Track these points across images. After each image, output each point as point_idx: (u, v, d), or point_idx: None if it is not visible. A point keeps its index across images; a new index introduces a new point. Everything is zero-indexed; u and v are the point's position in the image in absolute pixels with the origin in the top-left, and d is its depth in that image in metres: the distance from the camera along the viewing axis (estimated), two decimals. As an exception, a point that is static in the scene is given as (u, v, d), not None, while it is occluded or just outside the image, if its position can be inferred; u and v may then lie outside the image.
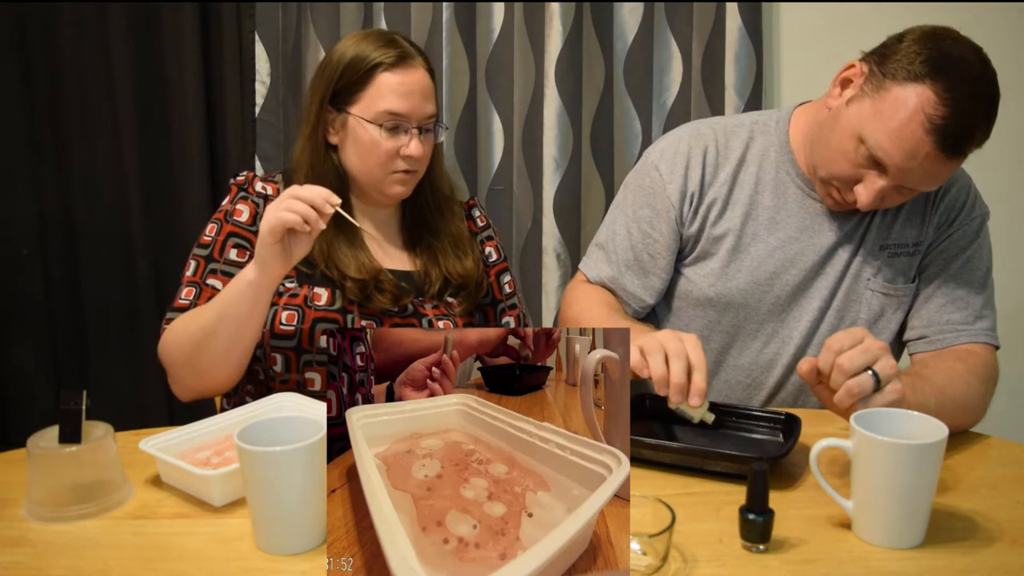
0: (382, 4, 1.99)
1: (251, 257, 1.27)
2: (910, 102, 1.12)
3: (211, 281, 1.29)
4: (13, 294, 2.08)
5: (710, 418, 1.09)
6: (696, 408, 1.06)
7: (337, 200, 1.11)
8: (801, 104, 1.39)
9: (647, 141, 2.06)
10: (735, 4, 1.96)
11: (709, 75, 2.02)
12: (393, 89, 1.26)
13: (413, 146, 1.28)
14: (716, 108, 2.03)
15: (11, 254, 2.06)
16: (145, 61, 2.01)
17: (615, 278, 1.42)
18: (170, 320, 1.27)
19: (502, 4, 2.02)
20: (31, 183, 2.05)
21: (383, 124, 1.27)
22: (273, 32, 2.00)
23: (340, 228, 1.31)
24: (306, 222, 1.09)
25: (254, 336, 1.21)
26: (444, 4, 1.99)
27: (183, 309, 1.27)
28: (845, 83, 1.23)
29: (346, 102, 1.29)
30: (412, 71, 1.28)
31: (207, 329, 1.19)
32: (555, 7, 1.98)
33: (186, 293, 1.29)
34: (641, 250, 1.39)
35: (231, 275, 1.26)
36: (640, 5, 2.02)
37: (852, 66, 1.23)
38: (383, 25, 2.00)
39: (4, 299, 2.08)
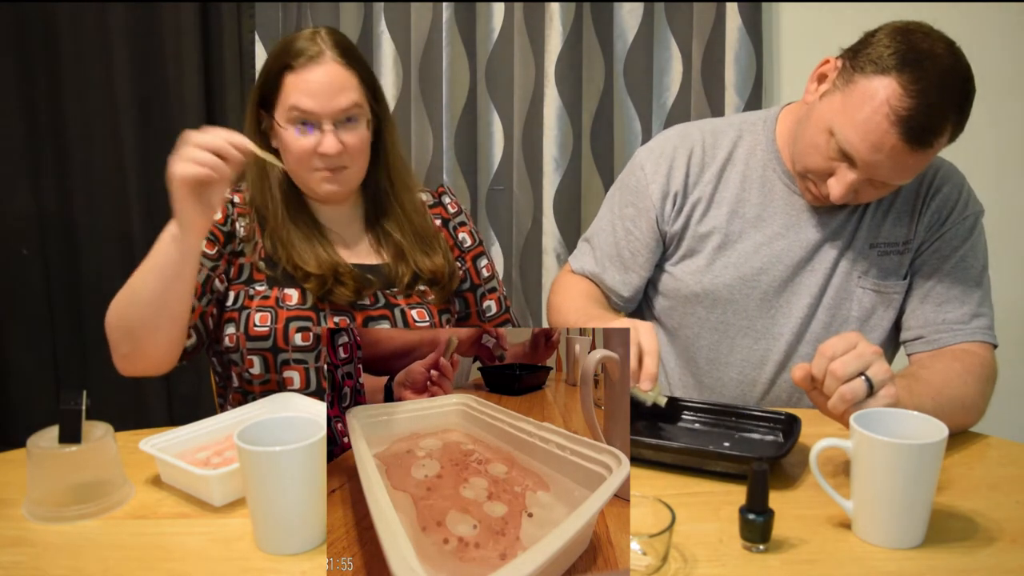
0: (382, 4, 1.99)
1: (219, 252, 1.31)
2: (877, 95, 1.13)
3: None
4: (13, 294, 2.08)
5: (663, 401, 1.13)
6: (647, 392, 1.10)
7: (244, 142, 1.09)
8: (789, 104, 1.40)
9: (647, 141, 2.06)
10: (735, 4, 1.97)
11: (709, 75, 2.02)
12: (297, 87, 1.25)
13: (327, 143, 1.25)
14: (716, 108, 2.03)
15: (11, 254, 2.06)
16: (145, 61, 2.01)
17: (597, 273, 1.45)
18: None
19: (502, 4, 2.02)
20: (31, 183, 2.06)
21: (292, 123, 1.26)
22: (273, 32, 2.00)
23: (298, 225, 1.32)
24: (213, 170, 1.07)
25: (181, 299, 1.17)
26: (444, 4, 1.99)
27: None
28: (821, 78, 1.25)
29: (271, 107, 1.29)
30: (318, 67, 1.24)
31: (134, 286, 1.17)
32: (555, 7, 1.98)
33: None
34: (623, 246, 1.42)
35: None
36: (640, 5, 2.02)
37: (827, 62, 1.25)
38: (383, 26, 2.00)
39: (4, 299, 2.08)
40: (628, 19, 2.04)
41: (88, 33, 1.99)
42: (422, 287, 1.37)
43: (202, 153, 1.06)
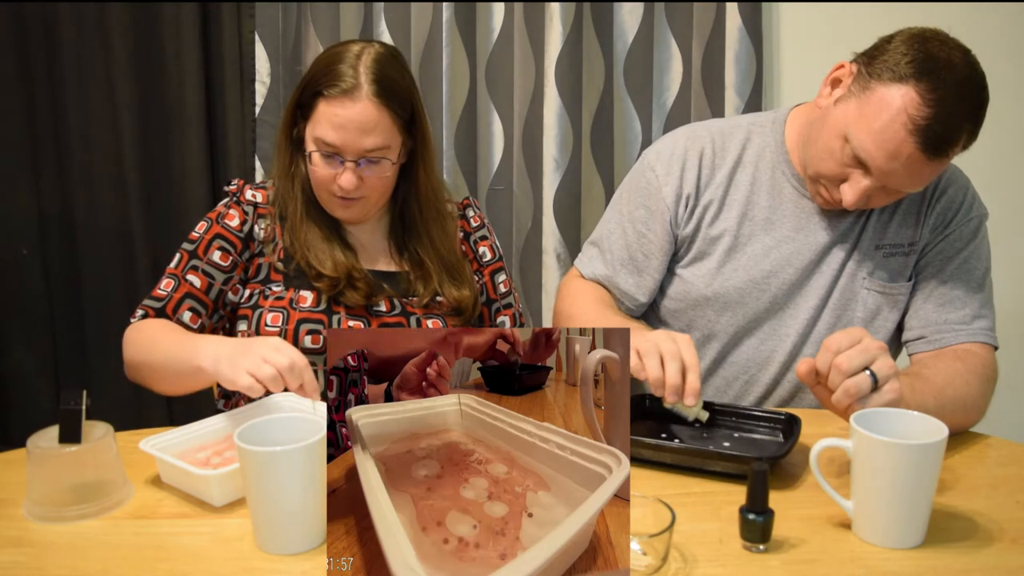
0: (382, 4, 1.99)
1: (233, 261, 1.32)
2: (894, 103, 1.13)
3: (190, 277, 1.31)
4: (13, 294, 2.08)
5: (704, 416, 1.13)
6: (691, 407, 1.09)
7: (311, 387, 1.07)
8: (798, 105, 1.40)
9: (647, 141, 2.06)
10: (735, 4, 1.97)
11: (709, 75, 2.02)
12: (328, 119, 1.23)
13: (344, 179, 1.25)
14: (716, 108, 2.03)
15: (11, 254, 2.06)
16: (145, 61, 2.01)
17: (609, 276, 1.43)
18: (144, 307, 1.30)
19: (502, 4, 2.02)
20: (31, 183, 2.05)
21: (317, 148, 1.26)
22: (273, 32, 2.00)
23: (319, 226, 1.33)
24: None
25: (187, 391, 1.21)
26: (444, 4, 1.99)
27: (159, 299, 1.30)
28: (835, 83, 1.25)
29: (304, 117, 1.28)
30: (350, 104, 1.22)
31: (150, 365, 1.23)
32: (555, 7, 1.98)
33: (165, 284, 1.32)
34: (636, 249, 1.41)
35: (210, 275, 1.30)
36: (640, 5, 2.02)
37: (842, 66, 1.24)
38: (383, 26, 2.00)
39: (4, 299, 2.08)
40: (628, 19, 2.04)
41: (88, 33, 1.99)
42: (439, 299, 1.37)
43: (269, 370, 1.04)
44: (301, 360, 1.06)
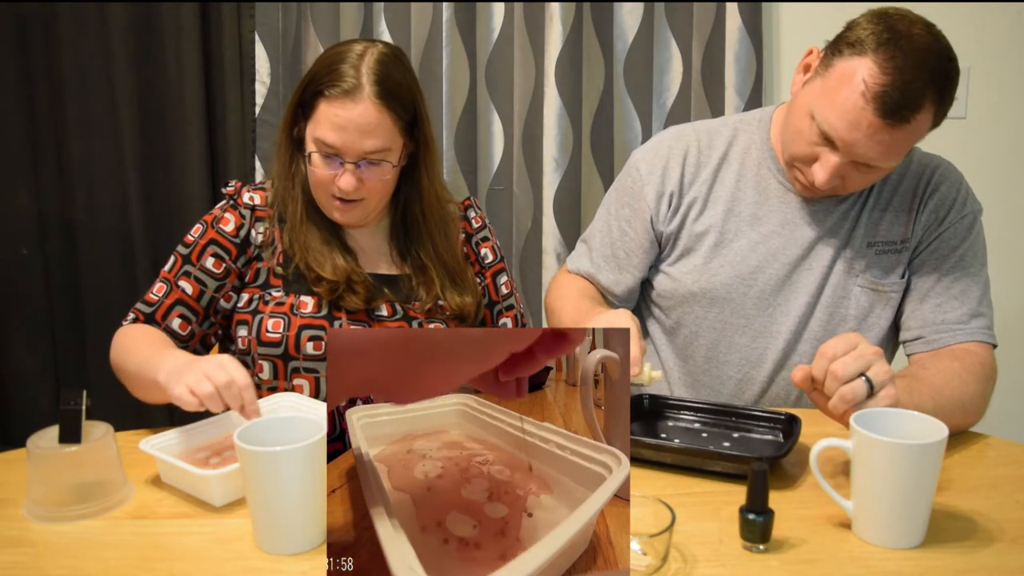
0: (382, 4, 1.99)
1: (227, 268, 1.30)
2: (855, 75, 1.15)
3: (182, 283, 1.29)
4: (13, 294, 2.08)
5: (659, 375, 1.14)
6: (639, 375, 1.11)
7: (252, 409, 1.04)
8: (783, 103, 1.41)
9: (647, 141, 2.06)
10: (735, 4, 1.97)
11: (709, 75, 2.02)
12: (329, 120, 1.21)
13: (343, 180, 1.24)
14: (716, 108, 2.03)
15: (11, 254, 2.06)
16: (145, 61, 2.01)
17: (592, 272, 1.47)
18: (136, 311, 1.29)
19: (502, 4, 2.02)
20: (31, 183, 2.05)
21: (317, 149, 1.24)
22: (273, 32, 2.00)
23: (319, 228, 1.32)
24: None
25: (158, 402, 1.18)
26: (444, 4, 1.99)
27: (150, 304, 1.29)
28: (806, 69, 1.27)
29: (305, 116, 1.27)
30: (352, 105, 1.20)
31: (126, 372, 1.23)
32: (555, 7, 1.98)
33: (157, 289, 1.30)
34: (619, 247, 1.43)
35: (202, 282, 1.29)
36: (640, 5, 2.02)
37: (811, 52, 1.26)
38: (383, 26, 2.00)
39: (4, 299, 2.08)
40: (628, 19, 2.04)
41: (88, 33, 1.99)
42: (442, 303, 1.37)
43: (208, 386, 1.02)
44: (243, 379, 1.03)
